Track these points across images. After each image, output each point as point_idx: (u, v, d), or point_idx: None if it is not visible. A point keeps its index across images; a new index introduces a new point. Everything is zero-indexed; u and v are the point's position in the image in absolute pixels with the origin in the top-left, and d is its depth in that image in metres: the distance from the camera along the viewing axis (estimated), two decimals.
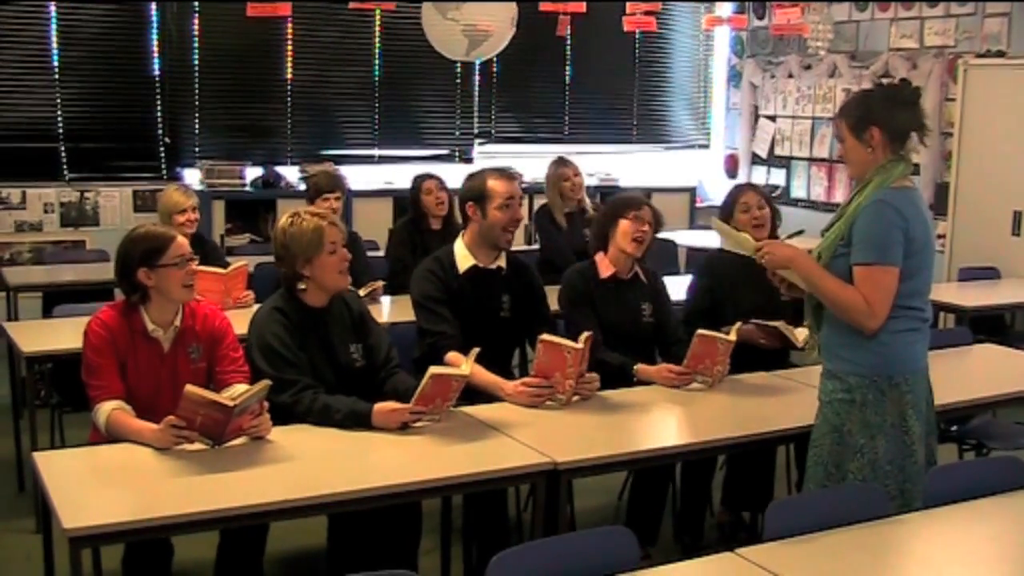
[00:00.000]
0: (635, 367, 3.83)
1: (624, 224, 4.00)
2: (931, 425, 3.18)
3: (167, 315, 3.28)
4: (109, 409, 3.11)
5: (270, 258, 3.69)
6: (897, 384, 3.02)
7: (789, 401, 3.66)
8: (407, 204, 5.97)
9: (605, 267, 4.05)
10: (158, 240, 3.25)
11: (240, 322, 3.55)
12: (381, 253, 6.38)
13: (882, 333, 2.99)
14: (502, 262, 3.92)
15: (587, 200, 6.29)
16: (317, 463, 2.97)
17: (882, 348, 3.00)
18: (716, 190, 9.29)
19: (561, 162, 6.22)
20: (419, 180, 5.76)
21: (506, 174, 3.88)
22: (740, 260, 4.27)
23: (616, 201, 4.21)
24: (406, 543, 3.43)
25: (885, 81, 2.78)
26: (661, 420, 3.61)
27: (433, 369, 3.23)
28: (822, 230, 3.15)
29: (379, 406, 3.21)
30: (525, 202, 7.74)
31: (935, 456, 3.19)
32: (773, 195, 8.93)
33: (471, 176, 3.91)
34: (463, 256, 3.86)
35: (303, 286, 3.40)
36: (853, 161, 3.10)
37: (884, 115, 3.04)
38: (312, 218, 3.43)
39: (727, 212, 4.36)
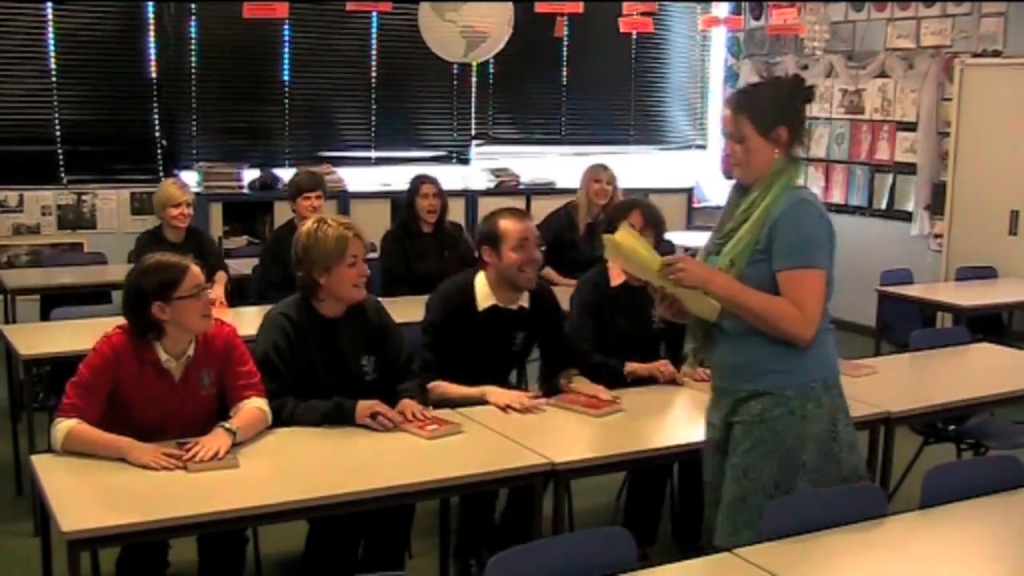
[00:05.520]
0: (625, 368, 3.83)
1: None
2: (854, 434, 2.96)
3: (181, 346, 3.13)
4: (72, 423, 2.95)
5: None
6: (830, 388, 2.86)
7: None
8: (402, 205, 5.96)
9: (615, 276, 4.01)
10: (172, 271, 3.07)
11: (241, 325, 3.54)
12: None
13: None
14: (524, 302, 3.82)
15: None
16: (314, 465, 2.97)
17: (812, 350, 2.81)
18: (713, 191, 9.30)
19: (599, 166, 6.23)
20: (417, 181, 5.74)
21: (518, 214, 3.80)
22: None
23: (607, 216, 4.17)
24: (393, 546, 3.44)
25: (769, 75, 2.56)
26: (659, 420, 3.61)
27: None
28: (717, 240, 2.89)
29: (363, 402, 3.22)
30: (522, 202, 7.80)
31: (864, 461, 3.02)
32: None
33: (485, 219, 3.83)
34: (484, 294, 3.77)
35: (319, 295, 3.37)
36: (754, 162, 2.82)
37: (791, 112, 2.84)
38: (338, 227, 3.36)
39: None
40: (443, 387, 3.69)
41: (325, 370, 3.38)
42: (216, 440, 2.94)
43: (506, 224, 3.72)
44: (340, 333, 3.43)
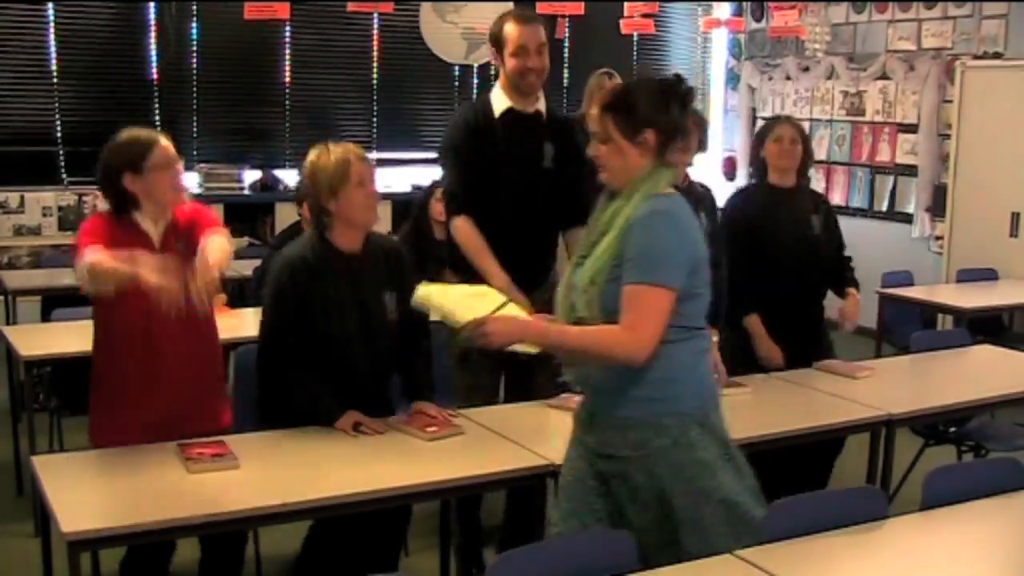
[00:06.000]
0: None
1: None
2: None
3: (156, 215, 3.17)
4: (93, 254, 2.96)
5: None
6: (709, 415, 2.64)
7: (786, 403, 3.66)
8: (413, 208, 5.82)
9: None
10: (141, 143, 3.12)
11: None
12: None
13: (684, 356, 2.59)
14: (540, 106, 3.72)
15: None
16: (314, 466, 2.96)
17: (689, 375, 2.61)
18: (713, 192, 9.28)
19: (604, 74, 6.01)
20: (433, 185, 5.61)
21: (524, 17, 3.66)
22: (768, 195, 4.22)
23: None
24: (388, 547, 3.44)
25: (656, 74, 2.42)
26: None
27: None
28: (581, 252, 2.69)
29: (349, 413, 3.19)
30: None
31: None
32: None
33: (496, 19, 3.75)
34: (499, 98, 3.71)
35: (333, 226, 3.27)
36: (620, 167, 2.62)
37: (660, 115, 2.62)
38: (340, 150, 3.28)
39: (759, 142, 4.32)
40: (468, 234, 3.55)
41: (345, 307, 3.26)
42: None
43: (509, 28, 3.64)
44: (360, 268, 3.31)
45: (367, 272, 3.33)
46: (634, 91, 2.68)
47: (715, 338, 3.75)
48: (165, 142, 3.16)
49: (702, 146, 3.89)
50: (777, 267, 4.14)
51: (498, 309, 2.66)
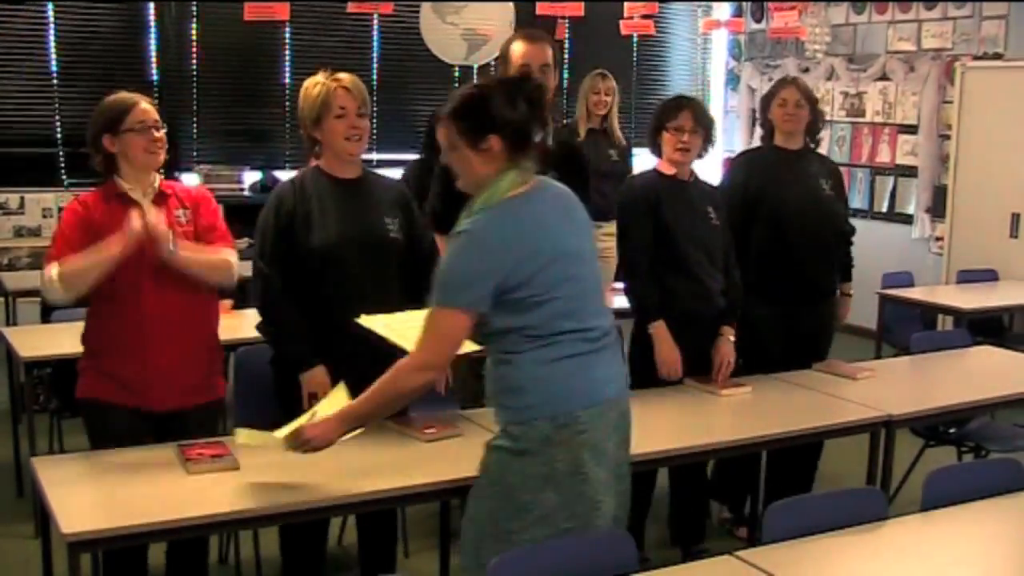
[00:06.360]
0: (655, 324, 3.69)
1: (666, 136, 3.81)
2: (622, 468, 2.67)
3: (140, 181, 3.21)
4: (55, 267, 3.03)
5: None
6: (565, 424, 2.50)
7: (786, 403, 3.66)
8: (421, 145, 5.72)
9: (665, 166, 3.89)
10: (120, 106, 3.18)
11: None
12: None
13: (532, 365, 2.52)
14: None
15: (616, 128, 6.11)
16: (314, 467, 2.95)
17: (540, 385, 2.51)
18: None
19: (598, 75, 6.05)
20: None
21: (531, 36, 3.67)
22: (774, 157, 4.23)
23: (656, 114, 3.95)
24: (386, 547, 3.45)
25: (498, 75, 2.41)
26: (655, 423, 3.59)
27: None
28: None
29: (315, 378, 3.16)
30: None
31: (627, 508, 2.71)
32: None
33: (509, 37, 3.78)
34: None
35: (325, 156, 3.27)
36: (469, 175, 2.55)
37: (505, 119, 2.50)
38: (326, 80, 3.27)
39: (766, 104, 4.28)
40: None
41: (346, 230, 3.22)
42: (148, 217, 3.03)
43: (514, 47, 3.65)
44: (359, 191, 3.30)
45: (365, 195, 3.32)
46: (477, 97, 2.56)
47: (732, 337, 3.78)
48: (145, 105, 3.21)
49: (709, 143, 3.88)
50: (786, 229, 4.13)
51: (311, 417, 2.76)
